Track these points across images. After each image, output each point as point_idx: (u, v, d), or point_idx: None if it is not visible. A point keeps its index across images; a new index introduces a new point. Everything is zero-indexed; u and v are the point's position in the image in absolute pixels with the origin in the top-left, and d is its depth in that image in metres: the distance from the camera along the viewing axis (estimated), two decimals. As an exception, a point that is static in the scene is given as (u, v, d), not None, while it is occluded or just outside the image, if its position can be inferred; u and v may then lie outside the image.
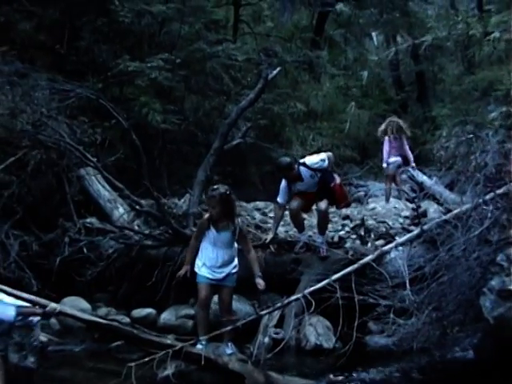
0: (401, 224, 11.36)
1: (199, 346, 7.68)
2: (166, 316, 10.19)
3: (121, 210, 12.07)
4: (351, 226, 11.30)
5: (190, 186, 12.12)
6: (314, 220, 10.76)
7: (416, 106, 27.97)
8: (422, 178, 14.37)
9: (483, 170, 8.02)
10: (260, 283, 8.02)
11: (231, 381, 7.40)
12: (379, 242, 10.37)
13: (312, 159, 10.30)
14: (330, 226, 10.75)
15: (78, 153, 10.90)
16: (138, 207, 11.34)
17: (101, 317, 8.82)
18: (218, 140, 12.50)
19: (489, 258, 7.58)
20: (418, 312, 7.68)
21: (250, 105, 13.35)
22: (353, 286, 7.84)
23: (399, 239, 9.37)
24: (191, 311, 9.99)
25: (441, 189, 12.15)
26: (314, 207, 10.72)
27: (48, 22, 14.75)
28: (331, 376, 7.83)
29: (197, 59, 15.52)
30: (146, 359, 6.87)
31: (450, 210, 9.46)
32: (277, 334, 8.93)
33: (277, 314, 9.08)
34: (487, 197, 7.88)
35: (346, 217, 11.67)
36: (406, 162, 14.42)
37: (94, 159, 10.94)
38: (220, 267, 8.08)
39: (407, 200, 13.34)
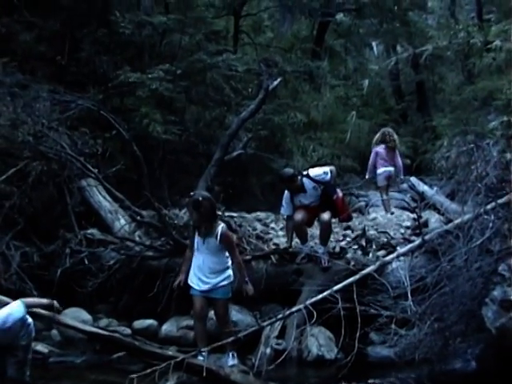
0: (402, 234, 11.34)
1: (200, 358, 7.67)
2: (168, 327, 10.16)
3: (122, 221, 12.04)
4: (352, 236, 11.28)
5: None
6: (316, 231, 10.76)
7: (416, 115, 28.04)
8: (422, 187, 14.35)
9: (484, 180, 8.02)
10: (248, 289, 8.10)
11: (233, 392, 7.39)
12: (381, 253, 10.37)
13: (315, 171, 10.35)
14: (331, 236, 10.74)
15: (79, 164, 10.92)
16: (138, 218, 11.34)
17: (102, 328, 8.79)
18: (219, 151, 12.52)
19: (490, 269, 7.59)
20: (420, 322, 7.67)
21: (251, 116, 13.37)
22: (354, 296, 7.84)
23: (401, 249, 9.38)
24: (192, 322, 9.95)
25: (442, 199, 12.13)
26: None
27: (49, 33, 14.76)
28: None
29: (197, 70, 15.53)
30: (148, 371, 6.86)
31: (451, 220, 9.48)
32: (278, 344, 8.92)
33: (278, 325, 9.08)
34: (488, 207, 7.88)
35: (347, 227, 11.64)
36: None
37: (95, 170, 10.95)
38: (208, 276, 8.10)
39: (407, 210, 13.36)
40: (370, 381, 7.98)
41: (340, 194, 10.34)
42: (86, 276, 10.74)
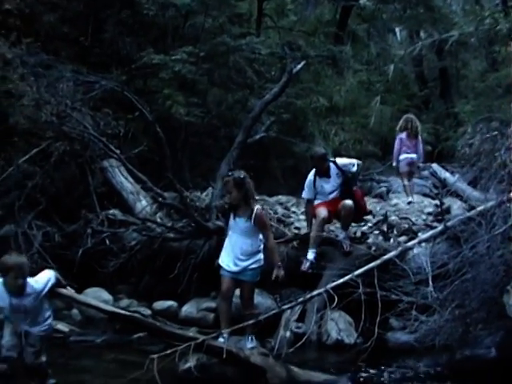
0: (424, 220, 11.31)
1: (221, 340, 7.69)
2: (188, 309, 10.22)
3: (143, 202, 12.09)
4: (374, 221, 11.26)
5: (213, 179, 12.14)
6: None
7: (439, 102, 27.91)
8: (444, 174, 14.29)
9: (507, 168, 7.97)
10: (279, 273, 8.02)
11: (252, 374, 7.42)
12: (402, 238, 10.32)
13: (343, 161, 10.58)
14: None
15: (102, 144, 10.95)
16: (160, 199, 11.38)
17: (123, 308, 8.86)
18: (242, 133, 12.49)
19: (512, 257, 7.54)
20: (441, 309, 7.65)
21: (274, 99, 13.31)
22: (375, 281, 7.83)
23: (422, 235, 9.35)
24: (213, 304, 10.00)
25: (464, 186, 12.06)
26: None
27: (72, 13, 14.79)
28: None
29: (220, 52, 15.49)
30: (168, 351, 6.86)
31: (473, 207, 9.41)
32: (298, 328, 8.95)
33: (299, 309, 9.11)
34: (511, 194, 7.83)
35: (369, 212, 11.61)
36: None
37: (118, 151, 10.98)
38: (239, 258, 8.07)
39: (429, 196, 13.32)
40: (383, 367, 7.98)
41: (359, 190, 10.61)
42: (108, 256, 10.81)
